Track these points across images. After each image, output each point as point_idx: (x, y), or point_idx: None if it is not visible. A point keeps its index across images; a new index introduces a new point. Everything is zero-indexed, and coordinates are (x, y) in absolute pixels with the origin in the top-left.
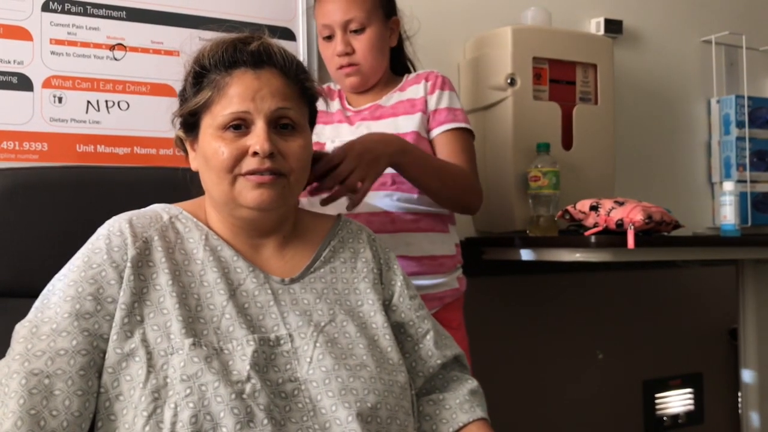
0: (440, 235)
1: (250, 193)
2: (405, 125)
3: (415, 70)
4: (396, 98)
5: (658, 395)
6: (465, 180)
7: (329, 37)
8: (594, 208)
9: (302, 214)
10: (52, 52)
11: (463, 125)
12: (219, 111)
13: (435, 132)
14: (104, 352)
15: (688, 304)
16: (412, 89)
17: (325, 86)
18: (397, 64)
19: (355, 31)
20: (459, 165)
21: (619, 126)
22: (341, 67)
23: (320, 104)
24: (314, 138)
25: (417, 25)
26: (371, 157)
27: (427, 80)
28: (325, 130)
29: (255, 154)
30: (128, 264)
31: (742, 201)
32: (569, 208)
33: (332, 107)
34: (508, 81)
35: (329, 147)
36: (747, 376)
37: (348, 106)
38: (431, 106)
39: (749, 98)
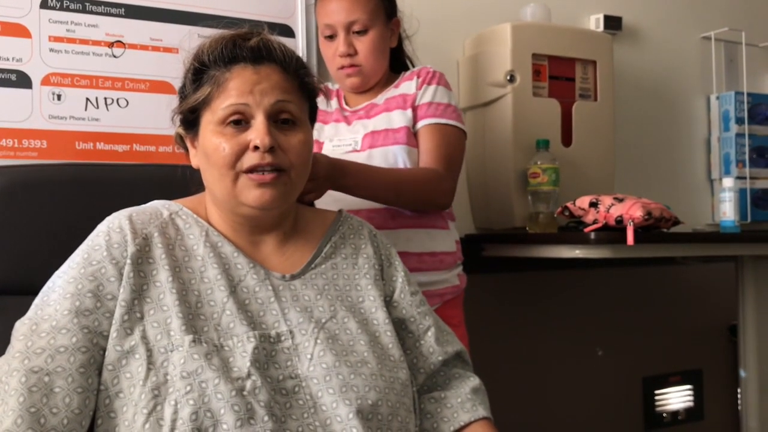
0: (440, 231)
1: (251, 192)
2: (398, 120)
3: (413, 68)
4: (389, 94)
5: (657, 392)
6: (425, 183)
7: (331, 37)
8: (593, 204)
9: (303, 209)
10: (51, 50)
11: (442, 120)
12: (218, 106)
13: (416, 127)
14: (104, 349)
15: (687, 300)
16: (405, 85)
17: (322, 86)
18: (396, 63)
19: (358, 33)
20: (422, 167)
21: (619, 122)
22: (342, 68)
23: (321, 102)
24: (314, 135)
25: (416, 24)
26: (317, 184)
27: (419, 76)
28: (325, 128)
29: (256, 148)
30: (128, 261)
31: (742, 197)
32: (569, 204)
33: (331, 106)
34: (508, 78)
35: (328, 146)
36: (747, 372)
37: (345, 106)
38: (417, 100)
39: (749, 94)
